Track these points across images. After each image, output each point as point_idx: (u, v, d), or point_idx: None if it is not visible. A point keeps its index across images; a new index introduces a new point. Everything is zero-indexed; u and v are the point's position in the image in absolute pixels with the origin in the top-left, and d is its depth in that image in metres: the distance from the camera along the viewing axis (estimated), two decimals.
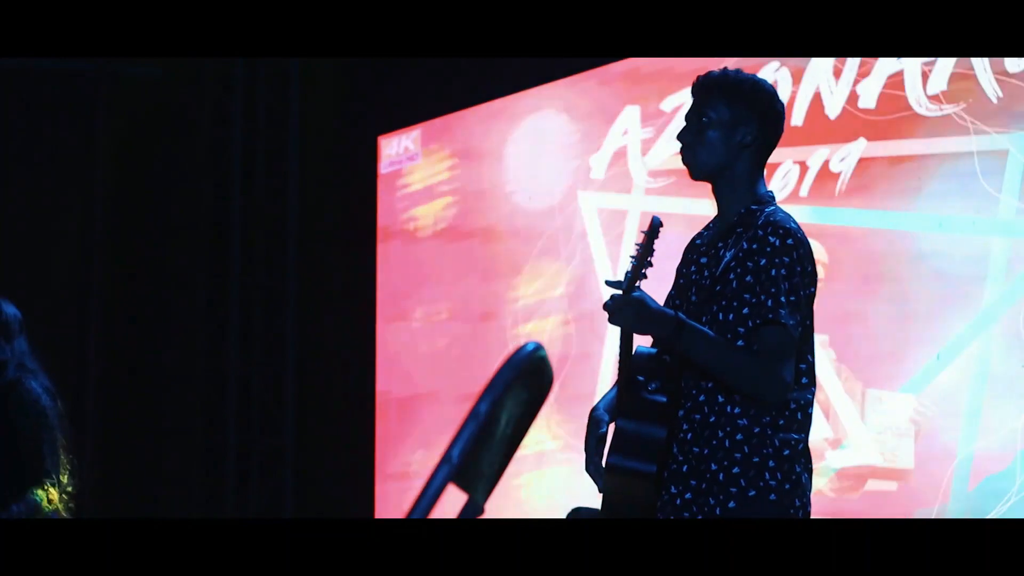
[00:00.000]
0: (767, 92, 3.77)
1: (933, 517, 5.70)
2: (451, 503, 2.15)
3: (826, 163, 6.20)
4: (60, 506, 5.28)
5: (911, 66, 6.01)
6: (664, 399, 3.62)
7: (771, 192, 3.76)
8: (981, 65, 5.82)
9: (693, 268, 3.75)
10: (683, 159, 3.76)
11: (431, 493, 2.08)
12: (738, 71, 3.80)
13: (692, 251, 3.80)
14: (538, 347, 2.16)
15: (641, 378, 3.64)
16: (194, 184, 8.42)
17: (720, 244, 3.70)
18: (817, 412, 6.03)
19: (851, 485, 5.96)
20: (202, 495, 8.25)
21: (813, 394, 3.67)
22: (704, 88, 3.75)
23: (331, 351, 8.25)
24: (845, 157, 6.15)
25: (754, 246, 3.61)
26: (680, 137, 3.76)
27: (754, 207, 3.69)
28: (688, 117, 3.77)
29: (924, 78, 5.99)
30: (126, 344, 8.22)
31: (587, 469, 3.69)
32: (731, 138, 3.70)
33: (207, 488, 8.27)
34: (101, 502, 7.18)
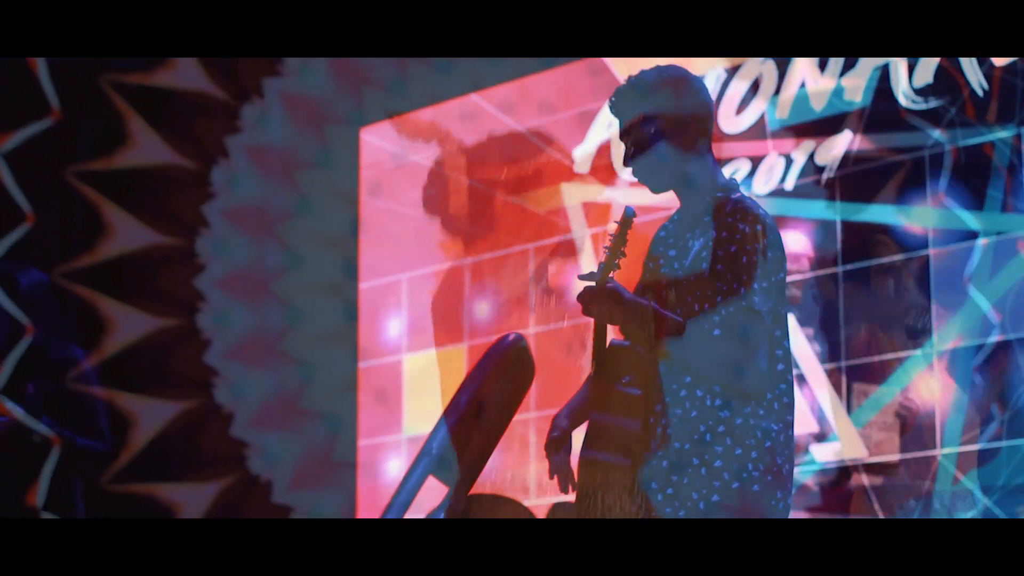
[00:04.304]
0: (677, 75, 3.74)
1: (918, 512, 5.70)
2: (432, 495, 2.13)
3: (811, 156, 6.20)
4: None
5: (896, 59, 6.01)
6: (638, 392, 3.61)
7: (734, 180, 3.75)
8: (967, 59, 5.81)
9: (662, 261, 3.73)
10: (640, 180, 3.75)
11: (411, 485, 2.07)
12: (641, 74, 3.77)
13: (658, 244, 3.78)
14: (519, 338, 2.15)
15: (615, 371, 3.63)
16: (176, 179, 8.39)
17: (688, 235, 3.69)
18: (803, 407, 6.04)
19: (837, 479, 5.96)
20: (180, 494, 8.23)
21: (790, 382, 3.66)
22: (622, 103, 3.74)
23: (318, 348, 8.23)
24: (831, 150, 6.15)
25: (724, 234, 3.60)
26: (627, 162, 3.74)
27: (720, 195, 3.68)
28: (624, 137, 3.74)
29: (909, 71, 5.98)
30: (106, 346, 8.20)
31: (551, 474, 3.68)
32: (675, 140, 3.69)
33: (186, 487, 8.25)
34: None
